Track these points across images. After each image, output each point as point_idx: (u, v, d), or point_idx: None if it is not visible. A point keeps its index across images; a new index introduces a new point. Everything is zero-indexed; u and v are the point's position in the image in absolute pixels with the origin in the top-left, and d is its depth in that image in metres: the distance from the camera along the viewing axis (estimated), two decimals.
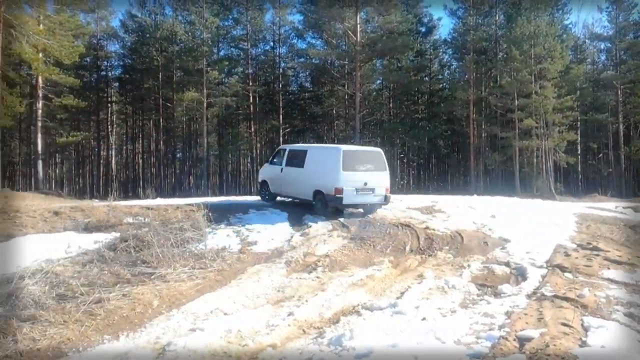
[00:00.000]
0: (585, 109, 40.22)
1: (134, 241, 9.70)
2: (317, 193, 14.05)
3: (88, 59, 42.62)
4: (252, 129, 44.84)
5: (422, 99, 48.80)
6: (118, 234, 10.73)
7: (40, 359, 5.46)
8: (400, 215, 14.04)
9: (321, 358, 5.42)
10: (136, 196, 31.00)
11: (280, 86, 45.52)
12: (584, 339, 5.71)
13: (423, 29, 46.63)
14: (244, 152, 48.53)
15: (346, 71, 41.99)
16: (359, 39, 37.03)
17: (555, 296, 7.36)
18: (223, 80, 42.89)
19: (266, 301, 7.42)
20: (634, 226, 13.75)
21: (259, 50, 47.13)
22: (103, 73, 47.25)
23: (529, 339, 5.61)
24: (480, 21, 41.80)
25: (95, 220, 12.22)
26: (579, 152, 40.76)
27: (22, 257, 8.71)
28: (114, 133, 50.48)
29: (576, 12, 52.58)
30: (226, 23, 43.95)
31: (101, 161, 48.50)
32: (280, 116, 42.92)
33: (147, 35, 44.10)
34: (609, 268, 9.31)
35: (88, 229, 11.60)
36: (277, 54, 46.11)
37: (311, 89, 48.55)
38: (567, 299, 7.19)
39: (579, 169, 42.64)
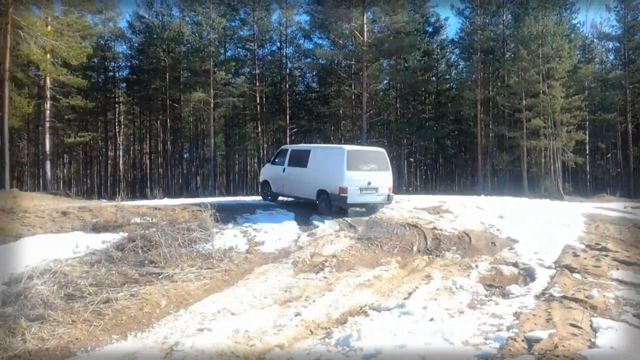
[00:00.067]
0: (593, 109, 39.96)
1: (141, 241, 9.73)
2: (321, 192, 14.13)
3: (96, 60, 42.88)
4: (259, 129, 44.90)
5: (429, 99, 48.68)
6: (126, 234, 10.76)
7: (48, 358, 5.48)
8: (407, 216, 14.01)
9: (329, 358, 5.41)
10: (144, 196, 31.14)
11: (287, 86, 45.56)
12: (593, 340, 5.67)
13: (430, 29, 46.53)
14: (251, 153, 48.62)
15: (353, 71, 41.94)
16: (365, 39, 36.99)
17: (564, 297, 7.31)
18: (230, 80, 43.01)
19: (273, 301, 7.41)
20: None
21: (266, 50, 47.23)
22: (110, 74, 47.54)
23: (538, 340, 5.57)
24: (487, 21, 41.64)
25: (103, 221, 12.27)
26: (587, 152, 40.50)
27: (31, 257, 8.74)
28: (122, 133, 50.71)
29: (584, 11, 52.42)
30: (233, 24, 44.09)
31: (109, 161, 48.74)
32: (287, 116, 42.95)
33: (155, 36, 44.28)
34: (618, 269, 9.24)
35: (96, 229, 11.65)
36: (284, 54, 46.18)
37: (318, 89, 48.55)
38: (575, 300, 7.14)
39: (587, 169, 42.35)
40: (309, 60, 45.54)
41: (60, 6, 29.92)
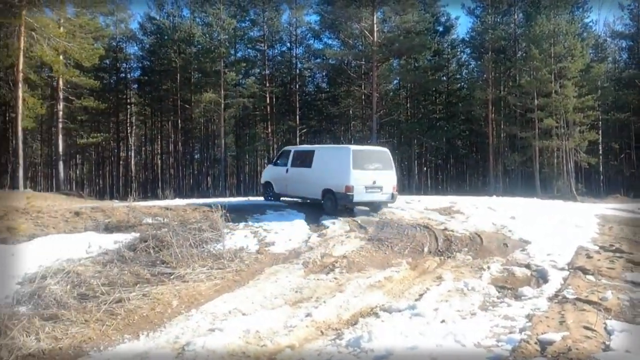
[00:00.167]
0: (606, 108, 39.51)
1: (153, 241, 9.79)
2: (327, 192, 14.28)
3: (108, 61, 43.23)
4: (269, 130, 45.00)
5: (440, 99, 48.48)
6: (138, 234, 10.82)
7: (62, 357, 5.52)
8: (418, 216, 13.96)
9: (339, 359, 5.41)
10: (155, 197, 31.31)
11: (297, 87, 45.60)
12: (607, 342, 5.60)
13: (441, 29, 46.32)
14: (261, 153, 48.72)
15: (363, 71, 41.91)
16: (375, 39, 36.92)
17: (578, 299, 7.25)
18: (240, 81, 43.16)
19: (284, 302, 7.42)
20: None
21: (276, 51, 47.35)
22: (122, 75, 47.92)
23: (551, 343, 5.52)
24: (498, 20, 41.41)
25: (116, 221, 12.35)
26: (600, 152, 40.02)
27: (44, 256, 8.82)
28: (133, 134, 51.07)
29: (597, 9, 51.83)
30: (243, 24, 44.22)
31: (121, 162, 49.10)
32: (297, 117, 42.99)
33: (166, 37, 44.56)
34: (632, 270, 9.14)
35: (108, 229, 11.72)
36: (294, 54, 46.22)
37: (328, 89, 48.55)
38: (589, 302, 7.07)
39: (601, 170, 41.88)
40: (318, 60, 45.57)
41: (72, 8, 30.23)
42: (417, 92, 45.28)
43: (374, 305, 7.24)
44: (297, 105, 43.53)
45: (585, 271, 8.96)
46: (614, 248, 10.78)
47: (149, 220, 12.55)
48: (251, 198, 17.87)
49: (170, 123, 49.43)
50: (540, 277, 8.77)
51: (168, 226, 11.10)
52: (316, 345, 5.85)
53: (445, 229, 12.39)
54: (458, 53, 48.18)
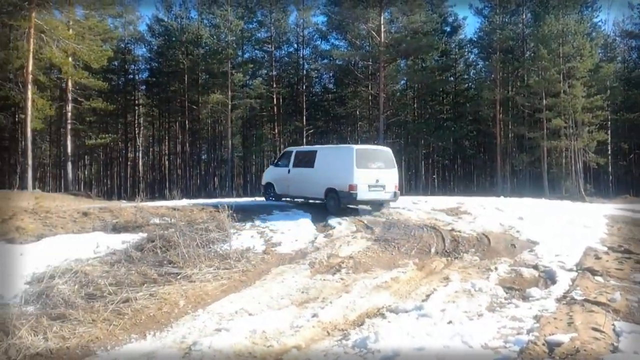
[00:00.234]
0: (615, 108, 39.20)
1: (160, 241, 9.83)
2: (330, 191, 14.41)
3: (116, 63, 43.47)
4: (276, 131, 45.05)
5: (447, 99, 48.34)
6: (145, 235, 10.87)
7: (69, 357, 5.55)
8: (425, 217, 13.92)
9: None
10: (162, 197, 31.44)
11: (304, 87, 45.62)
12: (615, 344, 5.55)
13: (448, 29, 46.20)
14: (268, 154, 48.79)
15: (370, 72, 41.85)
16: (382, 40, 36.87)
17: (586, 300, 7.19)
18: (247, 82, 43.27)
19: (290, 302, 7.41)
20: None
21: (283, 52, 47.37)
22: (130, 76, 48.18)
23: (559, 344, 5.48)
24: (506, 20, 41.23)
25: (123, 221, 12.41)
26: (609, 152, 39.74)
27: (53, 256, 8.88)
28: (141, 135, 51.30)
29: (606, 9, 51.31)
30: (250, 26, 44.34)
31: (129, 163, 49.36)
32: (304, 117, 43.01)
33: (173, 39, 44.75)
34: None
35: (116, 229, 11.78)
36: (301, 55, 46.26)
37: (335, 90, 48.55)
38: (598, 303, 7.01)
39: (610, 170, 41.57)
40: (326, 61, 45.60)
41: (81, 10, 30.45)
42: (425, 92, 45.19)
43: (381, 305, 7.22)
44: (304, 106, 43.55)
45: (593, 272, 8.89)
46: (622, 249, 10.70)
47: (157, 221, 12.61)
48: (258, 198, 17.94)
49: (177, 124, 49.65)
50: (548, 278, 8.71)
51: (175, 226, 11.16)
52: (322, 345, 5.85)
53: (453, 229, 12.34)
54: (466, 53, 48.03)
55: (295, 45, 46.80)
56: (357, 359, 5.42)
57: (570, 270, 9.12)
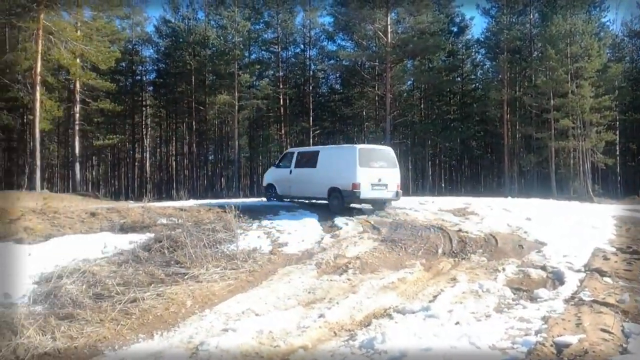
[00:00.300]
0: (624, 109, 38.99)
1: (167, 242, 9.86)
2: (333, 190, 14.55)
3: (124, 64, 43.71)
4: (283, 131, 45.11)
5: (454, 100, 48.22)
6: (152, 235, 10.90)
7: (77, 356, 5.57)
8: (432, 218, 13.88)
9: None
10: (170, 197, 31.58)
11: (311, 88, 45.67)
12: (624, 345, 5.51)
13: (455, 29, 46.15)
14: (275, 154, 48.83)
15: (377, 72, 41.82)
16: (389, 40, 36.84)
17: (594, 301, 7.13)
18: (254, 83, 43.38)
19: (297, 302, 7.41)
20: None
21: (290, 53, 47.48)
22: (138, 77, 48.43)
23: (567, 345, 5.44)
24: (514, 20, 41.08)
25: (131, 221, 12.45)
26: (617, 152, 39.51)
27: (61, 256, 8.92)
28: (149, 136, 51.54)
29: (614, 9, 51.00)
30: (257, 27, 44.44)
31: (136, 163, 49.60)
32: (310, 118, 43.04)
33: (181, 40, 44.92)
34: None
35: (123, 229, 11.82)
36: (308, 56, 46.34)
37: (341, 90, 48.56)
38: (606, 304, 6.95)
39: (618, 171, 41.33)
40: (332, 62, 45.65)
41: (89, 12, 30.64)
42: (431, 93, 45.11)
43: (388, 306, 7.19)
44: (311, 107, 43.59)
45: (602, 273, 8.82)
46: (631, 250, 10.61)
47: (164, 221, 12.65)
48: (264, 199, 17.98)
49: (184, 125, 49.83)
50: (556, 279, 8.66)
51: (182, 227, 11.19)
52: (329, 346, 5.84)
53: (460, 230, 12.29)
54: (473, 53, 47.94)
55: (302, 46, 46.93)
56: (364, 359, 5.41)
57: (579, 271, 9.05)
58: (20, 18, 26.02)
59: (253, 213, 13.84)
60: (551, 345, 5.47)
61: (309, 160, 15.76)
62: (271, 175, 17.67)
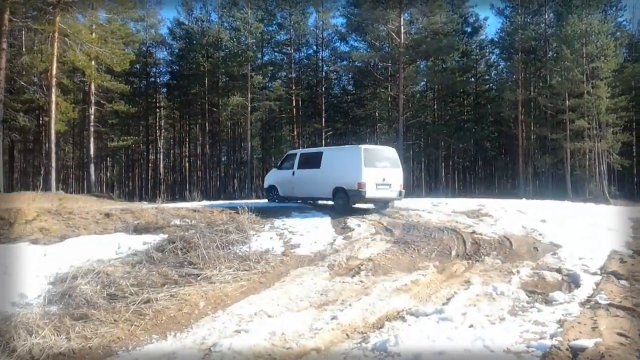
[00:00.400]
0: None
1: (181, 243, 9.91)
2: (338, 190, 14.76)
3: (138, 66, 44.08)
4: (295, 133, 45.18)
5: (468, 100, 47.95)
6: (166, 236, 10.96)
7: (91, 357, 5.61)
8: (445, 219, 13.79)
9: None
10: (183, 198, 31.71)
11: (323, 89, 45.71)
12: None
13: (469, 29, 45.90)
14: None
15: (389, 73, 41.74)
16: (402, 41, 36.74)
17: (611, 304, 7.03)
18: (267, 84, 43.50)
19: (309, 304, 7.39)
20: None
21: (302, 54, 47.60)
22: (152, 79, 48.85)
23: (583, 349, 5.36)
24: (528, 20, 40.75)
25: (144, 222, 12.53)
26: (634, 154, 38.96)
27: (75, 257, 9.00)
28: (162, 137, 51.93)
29: (631, 8, 50.43)
30: (270, 28, 44.57)
31: (150, 164, 49.96)
32: (323, 119, 43.06)
33: (194, 42, 45.21)
34: None
35: (137, 230, 11.89)
36: (320, 57, 46.36)
37: (354, 91, 48.54)
38: (623, 308, 6.85)
39: (635, 172, 40.75)
40: (345, 63, 45.62)
41: (104, 14, 30.95)
42: (445, 93, 44.90)
43: (401, 308, 7.15)
44: (323, 108, 43.61)
45: (618, 276, 8.70)
46: None
47: (177, 222, 12.72)
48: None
49: (198, 126, 50.12)
50: (572, 282, 8.55)
51: (195, 228, 11.24)
52: (342, 348, 5.81)
53: (474, 232, 12.19)
54: (487, 54, 47.65)
55: (315, 47, 46.99)
56: None
57: (595, 274, 8.93)
58: (36, 21, 26.34)
59: (265, 214, 13.87)
60: (567, 349, 5.40)
61: (312, 161, 15.93)
62: (273, 177, 17.83)
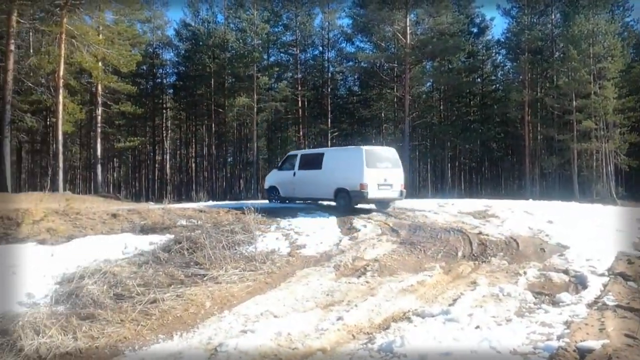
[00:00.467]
0: None
1: (187, 243, 9.93)
2: (339, 191, 14.88)
3: (144, 67, 44.33)
4: (301, 133, 45.22)
5: (474, 101, 47.83)
6: (172, 236, 10.99)
7: (98, 356, 5.63)
8: (451, 220, 13.76)
9: None
10: (189, 199, 31.80)
11: (329, 90, 45.71)
12: None
13: (475, 30, 45.79)
14: None
15: (395, 74, 41.69)
16: (408, 41, 36.70)
17: (618, 306, 6.99)
18: (273, 85, 43.58)
19: (315, 305, 7.39)
20: None
21: (308, 55, 47.65)
22: (158, 80, 49.05)
23: (590, 351, 5.33)
24: (535, 20, 40.62)
25: (151, 223, 12.57)
26: None
27: (82, 257, 9.04)
28: (169, 138, 52.14)
29: (638, 8, 50.06)
30: (276, 29, 44.67)
31: (156, 165, 50.14)
32: (329, 120, 43.06)
33: (200, 43, 45.36)
34: None
35: (144, 230, 11.92)
36: (326, 58, 46.44)
37: (359, 92, 48.53)
38: (630, 309, 6.81)
39: None
40: (350, 63, 45.64)
41: (111, 15, 31.12)
42: (451, 94, 44.81)
43: (407, 309, 7.13)
44: (329, 109, 43.62)
45: (626, 277, 8.64)
46: None
47: (183, 222, 12.76)
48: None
49: (204, 127, 50.28)
50: (579, 283, 8.50)
51: (202, 228, 11.26)
52: (348, 349, 5.81)
53: (480, 233, 12.15)
54: (493, 54, 47.54)
55: (321, 48, 47.08)
56: None
57: (602, 275, 8.88)
58: (44, 22, 26.51)
59: (271, 215, 13.87)
60: (574, 351, 5.37)
61: (313, 162, 16.02)
62: (273, 178, 17.90)
